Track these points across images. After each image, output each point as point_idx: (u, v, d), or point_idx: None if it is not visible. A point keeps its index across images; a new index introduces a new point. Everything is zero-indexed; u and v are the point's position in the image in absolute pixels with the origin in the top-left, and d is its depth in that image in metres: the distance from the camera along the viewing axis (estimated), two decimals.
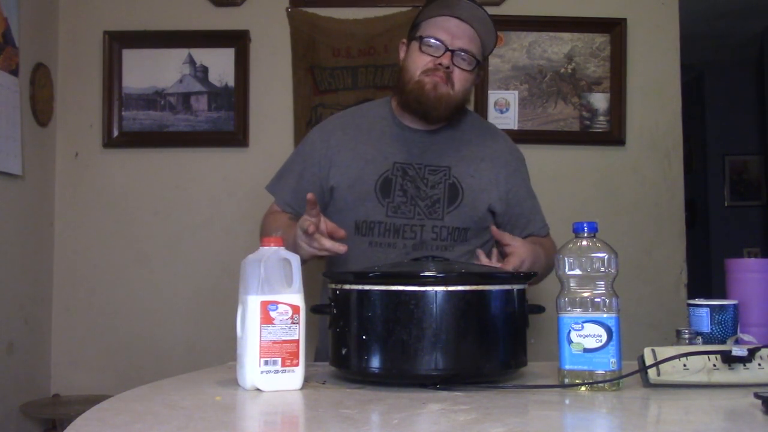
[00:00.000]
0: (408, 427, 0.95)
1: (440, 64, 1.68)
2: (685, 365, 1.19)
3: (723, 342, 1.38)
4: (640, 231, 2.76)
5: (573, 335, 1.18)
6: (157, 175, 2.77)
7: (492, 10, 2.74)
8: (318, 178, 1.79)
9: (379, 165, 1.75)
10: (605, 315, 1.18)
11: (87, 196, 2.76)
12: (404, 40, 1.80)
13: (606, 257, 1.19)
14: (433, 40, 1.69)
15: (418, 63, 1.71)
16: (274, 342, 1.18)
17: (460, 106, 1.76)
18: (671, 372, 1.18)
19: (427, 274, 1.23)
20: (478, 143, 1.82)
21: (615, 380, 1.17)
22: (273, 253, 1.21)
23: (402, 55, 1.79)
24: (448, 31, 1.69)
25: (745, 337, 1.37)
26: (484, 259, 1.64)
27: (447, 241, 1.73)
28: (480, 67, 1.77)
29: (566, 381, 1.19)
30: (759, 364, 1.20)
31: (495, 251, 1.69)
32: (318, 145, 1.81)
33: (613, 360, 1.17)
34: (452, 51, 1.68)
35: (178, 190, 2.77)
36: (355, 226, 1.74)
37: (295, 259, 1.21)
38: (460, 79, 1.71)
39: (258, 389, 1.18)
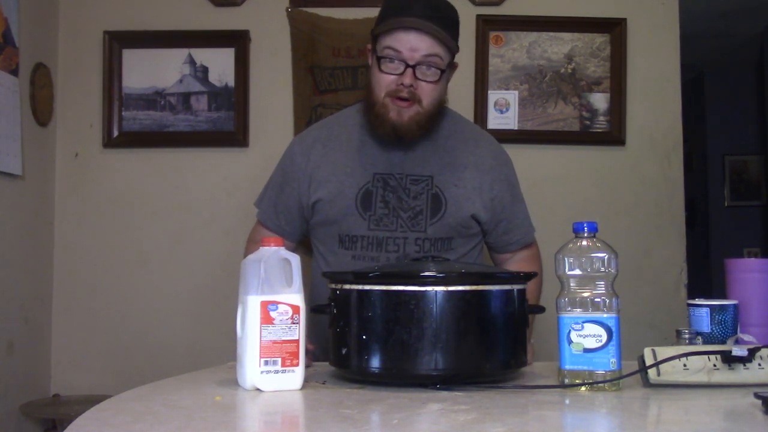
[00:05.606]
0: (408, 427, 0.95)
1: (402, 84, 1.61)
2: (685, 365, 1.19)
3: (723, 342, 1.37)
4: (640, 231, 2.76)
5: (573, 335, 1.18)
6: (157, 175, 2.77)
7: (492, 10, 2.77)
8: (297, 193, 1.76)
9: (359, 177, 1.71)
10: (605, 315, 1.18)
11: (87, 196, 2.76)
12: (369, 46, 1.71)
13: (606, 257, 1.19)
14: (390, 58, 1.62)
15: (381, 83, 1.64)
16: (274, 342, 1.18)
17: (434, 117, 1.69)
18: (671, 372, 1.18)
19: (427, 274, 1.22)
20: (461, 149, 1.77)
21: (615, 380, 1.17)
22: (273, 253, 1.21)
23: (370, 62, 1.70)
24: (404, 45, 1.60)
25: (745, 337, 1.37)
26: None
27: (431, 252, 1.70)
28: (451, 66, 1.68)
29: (566, 381, 1.19)
30: (759, 364, 1.20)
31: None
32: (298, 160, 1.77)
33: (613, 360, 1.17)
34: (413, 66, 1.60)
35: (178, 190, 2.77)
36: (339, 239, 1.72)
37: (295, 259, 1.21)
38: (427, 92, 1.63)
39: (258, 389, 1.18)
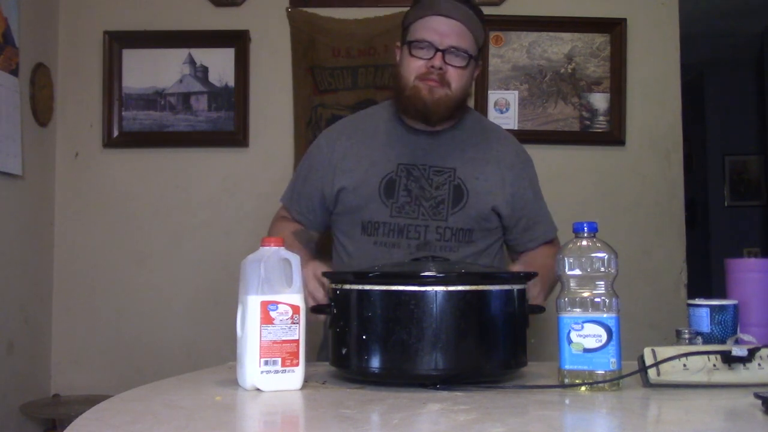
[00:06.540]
0: (408, 427, 0.95)
1: (432, 66, 1.68)
2: (685, 365, 1.19)
3: (723, 342, 1.37)
4: (640, 231, 2.76)
5: (573, 335, 1.18)
6: (157, 175, 2.77)
7: (492, 10, 2.76)
8: (321, 182, 1.81)
9: (383, 167, 1.76)
10: (605, 315, 1.18)
11: (87, 196, 2.76)
12: (398, 43, 1.80)
13: (606, 257, 1.19)
14: (421, 43, 1.69)
15: (411, 68, 1.71)
16: (274, 342, 1.18)
17: (460, 104, 1.76)
18: (671, 372, 1.18)
19: (427, 274, 1.23)
20: (484, 145, 1.82)
21: (615, 380, 1.17)
22: (273, 253, 1.21)
23: (398, 58, 1.79)
24: (435, 31, 1.68)
25: (745, 337, 1.37)
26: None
27: (451, 241, 1.73)
28: (477, 60, 1.76)
29: (566, 381, 1.19)
30: (759, 364, 1.20)
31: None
32: (324, 150, 1.83)
33: (613, 360, 1.17)
34: (443, 50, 1.68)
35: (178, 190, 2.77)
36: (362, 226, 1.76)
37: (295, 259, 1.22)
38: (456, 77, 1.70)
39: (258, 389, 1.18)
